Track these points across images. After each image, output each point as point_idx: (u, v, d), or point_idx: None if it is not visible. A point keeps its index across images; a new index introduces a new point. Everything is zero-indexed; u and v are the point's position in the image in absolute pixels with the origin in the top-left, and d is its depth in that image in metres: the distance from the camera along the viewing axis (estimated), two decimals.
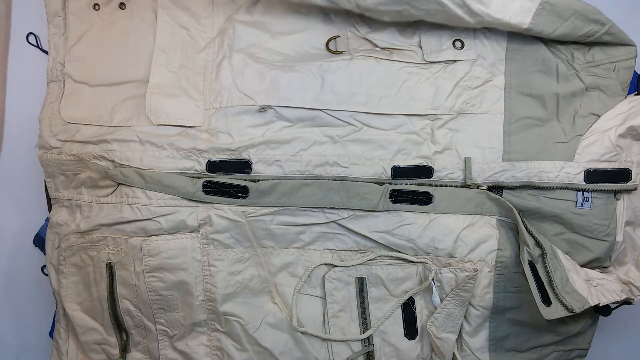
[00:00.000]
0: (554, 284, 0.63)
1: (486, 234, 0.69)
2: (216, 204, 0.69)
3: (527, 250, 0.65)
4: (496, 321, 0.71)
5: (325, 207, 0.71)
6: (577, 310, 0.62)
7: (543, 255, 0.64)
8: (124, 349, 0.76)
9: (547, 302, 0.64)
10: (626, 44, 0.68)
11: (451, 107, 0.70)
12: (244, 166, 0.69)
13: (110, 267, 0.74)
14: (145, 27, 0.76)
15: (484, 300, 0.69)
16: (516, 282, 0.69)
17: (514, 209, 0.67)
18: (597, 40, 0.68)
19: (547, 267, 0.64)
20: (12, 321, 0.87)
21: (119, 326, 0.76)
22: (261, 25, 0.73)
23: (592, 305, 0.63)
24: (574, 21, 0.67)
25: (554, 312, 0.64)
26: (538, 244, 0.66)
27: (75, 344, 0.77)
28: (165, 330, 0.74)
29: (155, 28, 0.75)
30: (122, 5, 0.77)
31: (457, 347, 0.71)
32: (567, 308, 0.62)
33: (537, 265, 0.64)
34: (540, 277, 0.64)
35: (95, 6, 0.77)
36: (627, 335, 0.84)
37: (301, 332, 0.72)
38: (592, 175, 0.68)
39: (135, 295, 0.73)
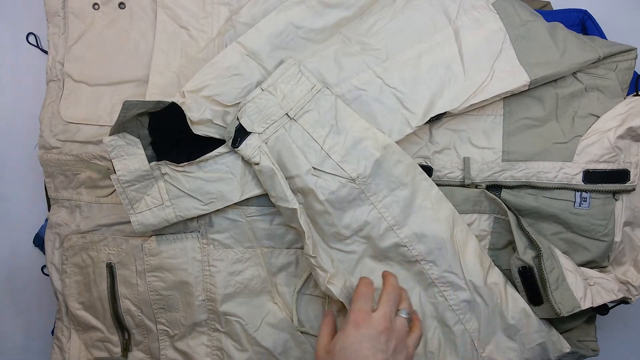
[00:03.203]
0: (548, 285, 0.64)
1: (482, 232, 0.71)
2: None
3: (516, 256, 0.66)
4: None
5: None
6: (564, 313, 0.63)
7: (539, 256, 0.65)
8: (126, 348, 0.76)
9: (537, 302, 0.66)
10: (626, 50, 0.68)
11: None
12: None
13: (110, 267, 0.74)
14: (144, 27, 0.76)
15: None
16: (509, 277, 0.69)
17: (508, 211, 0.68)
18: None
19: (543, 267, 0.64)
20: (12, 321, 0.87)
21: (121, 325, 0.76)
22: None
23: (584, 308, 0.63)
24: (569, 69, 0.68)
25: (543, 311, 0.66)
26: (533, 245, 0.66)
27: (78, 341, 0.78)
28: (166, 330, 0.74)
29: (155, 28, 0.75)
30: (121, 5, 0.77)
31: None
32: (554, 311, 0.63)
33: (533, 269, 0.65)
34: (534, 280, 0.65)
35: (95, 5, 0.77)
36: (627, 336, 0.84)
37: (301, 332, 0.72)
38: (590, 176, 0.68)
39: (136, 294, 0.74)
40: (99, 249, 0.75)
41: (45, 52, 0.80)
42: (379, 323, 0.53)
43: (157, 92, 0.72)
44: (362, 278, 0.58)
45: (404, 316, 0.57)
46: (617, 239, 0.69)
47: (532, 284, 0.66)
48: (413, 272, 0.68)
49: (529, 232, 0.67)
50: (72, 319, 0.77)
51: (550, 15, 0.75)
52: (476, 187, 0.70)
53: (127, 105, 0.62)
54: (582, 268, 0.69)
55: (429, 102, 0.67)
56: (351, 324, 0.54)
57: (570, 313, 0.63)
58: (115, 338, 0.77)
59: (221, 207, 0.68)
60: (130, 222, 0.67)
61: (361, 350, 0.52)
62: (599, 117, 0.69)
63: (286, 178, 0.66)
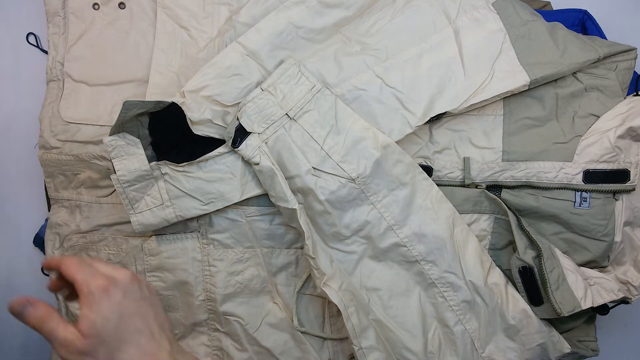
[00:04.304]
0: (548, 285, 0.64)
1: (482, 232, 0.70)
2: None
3: (516, 256, 0.66)
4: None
5: None
6: (565, 313, 0.63)
7: (539, 256, 0.65)
8: None
9: (538, 303, 0.66)
10: (626, 50, 0.68)
11: None
12: None
13: None
14: (145, 27, 0.76)
15: None
16: (509, 278, 0.69)
17: (508, 211, 0.68)
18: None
19: (543, 267, 0.64)
20: (12, 321, 0.87)
21: None
22: None
23: (585, 308, 0.63)
24: (569, 69, 0.67)
25: (543, 312, 0.66)
26: (534, 245, 0.66)
27: None
28: None
29: (155, 28, 0.75)
30: (121, 5, 0.77)
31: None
32: (555, 311, 0.63)
33: (534, 269, 0.65)
34: (535, 280, 0.65)
35: (95, 5, 0.77)
36: (627, 336, 0.84)
37: (301, 332, 0.72)
38: (590, 176, 0.68)
39: None
40: (98, 249, 0.75)
41: (45, 52, 0.80)
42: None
43: (157, 92, 0.72)
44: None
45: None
46: (617, 238, 0.69)
47: (532, 284, 0.66)
48: (413, 272, 0.68)
49: (529, 232, 0.67)
50: (72, 319, 0.77)
51: (550, 15, 0.75)
52: (476, 187, 0.70)
53: (127, 105, 0.62)
54: (582, 268, 0.69)
55: (429, 102, 0.67)
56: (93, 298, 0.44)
57: (571, 313, 0.63)
58: None
59: (221, 207, 0.68)
60: (130, 222, 0.67)
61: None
62: (599, 117, 0.69)
63: (286, 178, 0.66)
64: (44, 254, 0.78)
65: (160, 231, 0.71)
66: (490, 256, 0.70)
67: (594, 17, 0.74)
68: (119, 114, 0.63)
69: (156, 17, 0.75)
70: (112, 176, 0.65)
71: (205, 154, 0.67)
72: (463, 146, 0.71)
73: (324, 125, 0.66)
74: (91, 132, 0.74)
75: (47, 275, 0.78)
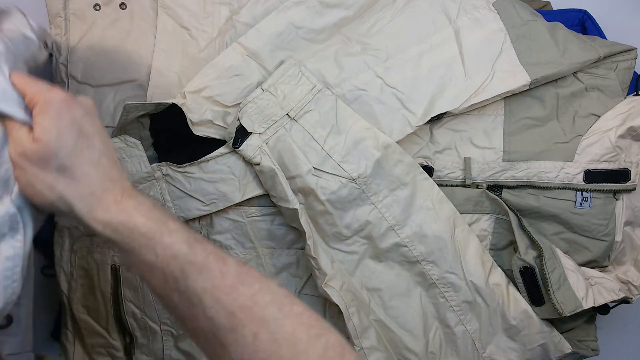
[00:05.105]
0: (549, 285, 0.64)
1: (483, 233, 0.71)
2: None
3: (517, 256, 0.66)
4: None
5: None
6: (567, 313, 0.63)
7: (540, 256, 0.65)
8: (129, 352, 0.76)
9: (539, 303, 0.66)
10: (626, 50, 0.69)
11: None
12: None
13: (115, 270, 0.74)
14: (145, 27, 0.76)
15: None
16: (510, 278, 0.69)
17: (509, 211, 0.68)
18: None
19: (544, 267, 0.64)
20: None
21: (123, 329, 0.76)
22: None
23: (586, 308, 0.64)
24: (569, 69, 0.68)
25: (544, 312, 0.66)
26: (535, 245, 0.66)
27: (82, 347, 0.77)
28: (170, 331, 0.74)
29: (155, 28, 0.75)
30: (122, 5, 0.77)
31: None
32: (556, 311, 0.64)
33: (535, 269, 0.65)
34: (536, 280, 0.66)
35: (96, 6, 0.76)
36: (627, 336, 0.84)
37: None
38: (591, 176, 0.68)
39: (141, 297, 0.73)
40: (103, 251, 0.74)
41: (50, 55, 0.80)
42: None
43: (158, 92, 0.72)
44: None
45: None
46: (618, 238, 0.69)
47: (533, 284, 0.66)
48: (414, 272, 0.68)
49: (530, 232, 0.67)
50: (77, 323, 0.77)
51: (550, 15, 0.75)
52: (477, 187, 0.70)
53: (127, 108, 0.63)
54: (583, 268, 0.69)
55: (430, 102, 0.67)
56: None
57: (573, 313, 0.64)
58: (118, 343, 0.76)
59: (223, 208, 0.68)
60: None
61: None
62: (599, 116, 0.69)
63: (287, 178, 0.66)
64: (44, 255, 0.78)
65: None
66: (492, 256, 0.70)
67: (594, 17, 0.74)
68: (120, 118, 0.63)
69: (157, 17, 0.75)
70: None
71: (206, 154, 0.67)
72: (464, 146, 0.71)
73: (325, 125, 0.66)
74: None
75: (47, 276, 0.78)
